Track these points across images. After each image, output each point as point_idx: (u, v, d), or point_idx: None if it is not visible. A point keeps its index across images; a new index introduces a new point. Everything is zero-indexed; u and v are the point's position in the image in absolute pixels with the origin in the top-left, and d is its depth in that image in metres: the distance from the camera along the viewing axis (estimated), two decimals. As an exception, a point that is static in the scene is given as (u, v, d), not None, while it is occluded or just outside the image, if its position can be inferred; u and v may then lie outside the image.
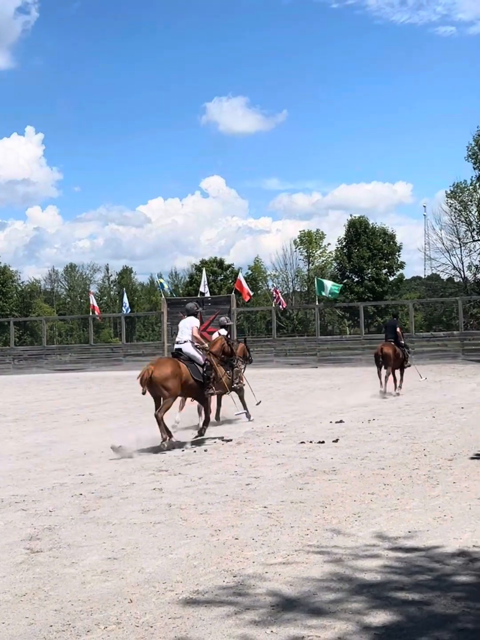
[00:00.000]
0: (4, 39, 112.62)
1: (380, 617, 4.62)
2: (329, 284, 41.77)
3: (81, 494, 8.57)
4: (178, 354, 13.04)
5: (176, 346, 13.22)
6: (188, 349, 13.00)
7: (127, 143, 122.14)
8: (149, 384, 12.13)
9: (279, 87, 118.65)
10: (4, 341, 58.07)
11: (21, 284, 77.03)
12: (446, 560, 5.73)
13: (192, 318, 13.39)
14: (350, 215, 64.10)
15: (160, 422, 11.98)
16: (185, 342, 13.04)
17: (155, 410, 12.24)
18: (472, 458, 10.06)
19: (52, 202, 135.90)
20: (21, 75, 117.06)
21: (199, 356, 13.06)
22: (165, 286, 46.95)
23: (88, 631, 4.54)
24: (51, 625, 4.65)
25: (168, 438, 11.96)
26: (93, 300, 46.17)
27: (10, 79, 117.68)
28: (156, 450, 11.65)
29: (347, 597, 5.00)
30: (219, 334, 15.00)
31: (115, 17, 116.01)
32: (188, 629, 4.54)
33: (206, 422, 13.11)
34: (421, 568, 5.55)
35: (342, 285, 43.05)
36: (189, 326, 13.22)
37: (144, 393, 12.26)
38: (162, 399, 12.19)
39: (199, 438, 12.73)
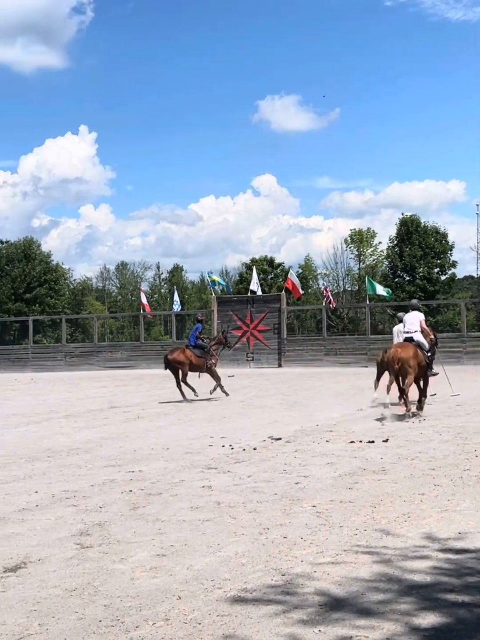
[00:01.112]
0: (59, 39, 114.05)
1: (429, 619, 4.58)
2: (380, 287, 41.65)
3: (131, 491, 8.64)
4: (409, 341, 15.88)
5: (406, 335, 16.11)
6: (418, 337, 15.86)
7: (179, 141, 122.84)
8: (394, 362, 15.23)
9: (332, 85, 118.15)
10: (56, 338, 58.67)
11: (73, 282, 77.86)
12: (497, 562, 5.67)
13: (416, 312, 16.33)
14: (402, 214, 63.62)
15: (404, 394, 15.21)
16: (415, 331, 15.92)
17: (388, 385, 16.13)
18: (525, 459, 9.92)
19: (105, 201, 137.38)
20: (76, 75, 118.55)
21: (425, 343, 15.96)
22: (217, 281, 46.82)
23: (137, 627, 4.58)
24: (100, 620, 4.70)
25: (409, 410, 15.07)
26: (143, 299, 46.49)
27: (66, 78, 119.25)
28: (204, 446, 11.70)
29: (395, 598, 4.97)
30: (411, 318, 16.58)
31: (168, 17, 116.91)
32: (236, 626, 4.55)
33: (424, 397, 16.05)
34: (471, 570, 5.50)
35: (390, 292, 42.78)
36: (416, 319, 16.14)
37: (390, 370, 15.87)
38: (406, 375, 15.15)
39: (418, 412, 15.44)
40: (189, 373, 21.39)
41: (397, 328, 18.84)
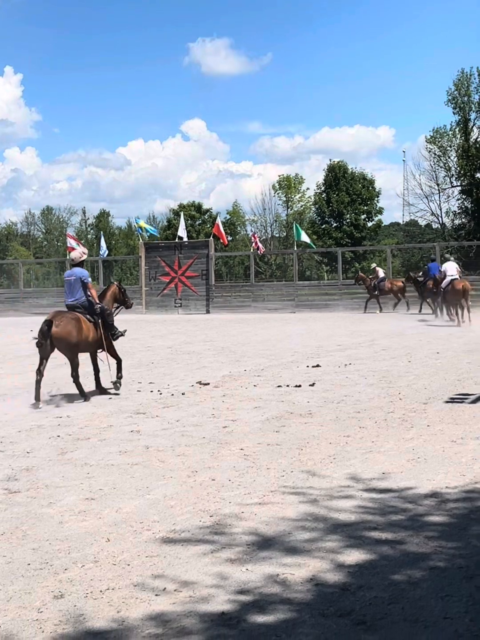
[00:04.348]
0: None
1: (353, 556, 4.71)
2: (305, 235, 41.91)
3: (59, 436, 8.61)
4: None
5: (451, 277, 25.20)
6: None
7: (108, 83, 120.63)
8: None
9: (264, 29, 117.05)
10: (-20, 284, 57.70)
11: (-3, 227, 76.35)
12: (419, 501, 5.83)
13: (453, 262, 25.93)
14: (330, 160, 63.81)
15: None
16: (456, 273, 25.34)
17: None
18: (447, 402, 10.17)
19: (31, 144, 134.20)
20: (1, 14, 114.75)
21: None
22: (145, 228, 46.12)
23: (65, 569, 4.60)
24: (29, 564, 4.70)
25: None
26: (71, 243, 45.48)
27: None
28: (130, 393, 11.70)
29: (321, 536, 5.08)
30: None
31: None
32: (165, 567, 4.61)
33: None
34: (395, 508, 5.65)
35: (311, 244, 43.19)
36: (454, 266, 25.59)
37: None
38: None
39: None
40: None
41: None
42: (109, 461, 7.36)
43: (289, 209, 69.06)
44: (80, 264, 12.41)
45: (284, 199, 68.64)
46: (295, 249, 43.93)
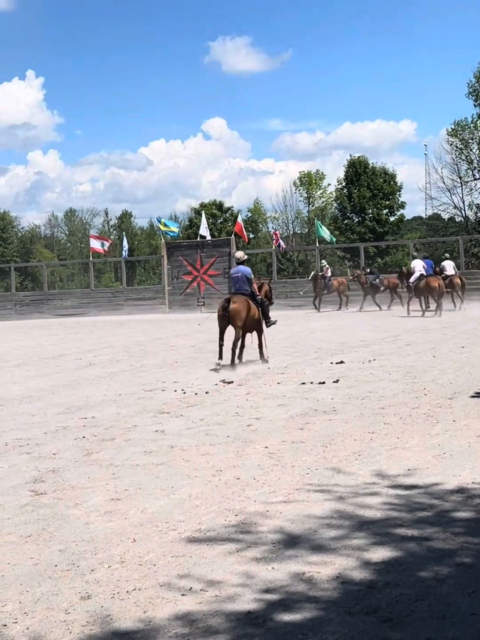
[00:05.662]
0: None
1: (380, 553, 4.69)
2: (327, 232, 41.85)
3: (84, 437, 8.64)
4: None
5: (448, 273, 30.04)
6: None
7: (129, 84, 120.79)
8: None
9: (284, 26, 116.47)
10: (6, 287, 57.98)
11: (21, 230, 76.79)
12: (445, 497, 5.80)
13: (451, 261, 28.27)
14: (350, 155, 63.56)
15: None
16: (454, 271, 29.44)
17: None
18: (472, 397, 10.11)
19: (54, 146, 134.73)
20: (22, 18, 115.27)
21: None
22: (164, 228, 45.99)
23: (92, 570, 4.61)
24: (56, 565, 4.73)
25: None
26: (94, 243, 45.43)
27: (11, 21, 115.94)
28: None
29: (347, 534, 5.07)
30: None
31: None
32: (191, 566, 4.61)
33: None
34: (421, 505, 5.62)
35: (333, 239, 43.15)
36: (451, 265, 28.20)
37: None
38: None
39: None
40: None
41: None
42: (134, 461, 7.38)
43: (310, 206, 68.89)
44: (244, 262, 15.66)
45: (305, 195, 68.49)
46: (317, 245, 43.83)
